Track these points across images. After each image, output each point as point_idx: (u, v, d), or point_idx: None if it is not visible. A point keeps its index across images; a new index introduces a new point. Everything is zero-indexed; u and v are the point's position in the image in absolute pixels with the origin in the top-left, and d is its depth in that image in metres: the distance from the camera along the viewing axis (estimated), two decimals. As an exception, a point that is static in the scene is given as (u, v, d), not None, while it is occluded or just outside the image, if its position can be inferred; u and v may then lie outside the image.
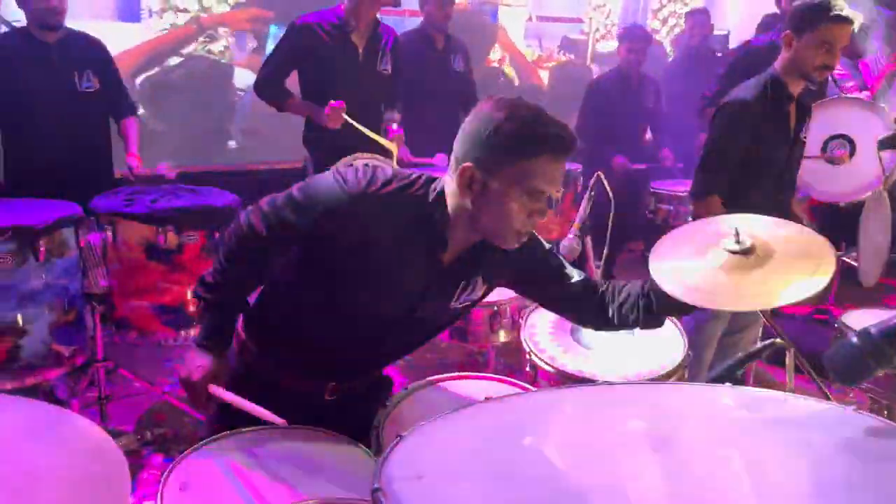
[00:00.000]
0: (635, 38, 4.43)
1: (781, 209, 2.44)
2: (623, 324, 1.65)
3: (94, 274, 2.57)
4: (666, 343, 1.99)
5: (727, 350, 2.62)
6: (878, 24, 4.20)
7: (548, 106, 1.39)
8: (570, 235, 1.89)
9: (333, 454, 1.46)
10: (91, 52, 3.14)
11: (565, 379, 1.89)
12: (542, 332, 2.09)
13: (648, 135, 4.76)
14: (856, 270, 2.47)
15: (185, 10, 4.40)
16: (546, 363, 1.95)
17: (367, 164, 1.54)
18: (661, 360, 1.93)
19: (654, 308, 1.59)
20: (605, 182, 1.96)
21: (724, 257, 1.50)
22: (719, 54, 5.14)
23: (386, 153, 3.17)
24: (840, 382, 1.12)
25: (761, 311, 1.64)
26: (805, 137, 2.57)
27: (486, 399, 1.22)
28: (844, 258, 2.55)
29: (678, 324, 2.04)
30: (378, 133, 3.24)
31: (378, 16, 3.33)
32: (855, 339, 1.05)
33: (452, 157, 1.41)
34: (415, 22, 4.13)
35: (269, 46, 4.47)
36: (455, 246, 1.47)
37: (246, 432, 1.47)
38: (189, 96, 4.46)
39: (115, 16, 4.24)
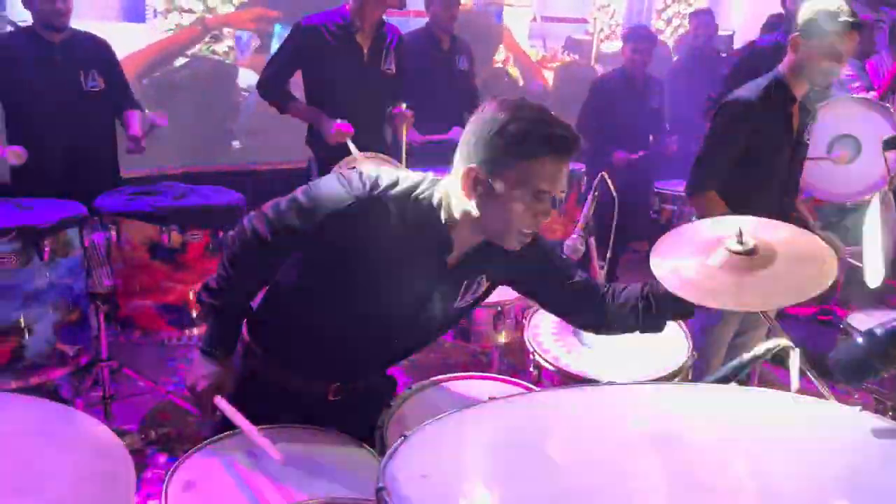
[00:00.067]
0: (640, 38, 4.42)
1: (785, 211, 2.43)
2: (622, 327, 1.65)
3: (98, 273, 2.58)
4: (670, 344, 1.98)
5: (733, 351, 2.61)
6: (882, 24, 4.19)
7: (552, 107, 1.39)
8: (574, 236, 1.88)
9: (337, 454, 1.46)
10: (96, 52, 3.15)
11: (569, 379, 1.89)
12: (545, 332, 2.08)
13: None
14: (861, 271, 2.47)
15: (191, 11, 4.41)
16: (550, 363, 1.95)
17: (371, 167, 1.53)
18: (665, 361, 1.93)
19: (654, 311, 1.59)
20: (609, 182, 1.96)
21: (726, 257, 1.50)
22: (724, 55, 5.13)
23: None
24: (845, 383, 1.12)
25: (766, 313, 1.64)
26: (808, 139, 2.56)
27: (490, 399, 1.22)
28: (849, 259, 2.54)
29: (682, 325, 2.04)
30: (380, 130, 3.26)
31: (383, 16, 3.33)
32: (860, 340, 1.05)
33: (456, 158, 1.41)
34: (419, 22, 4.13)
35: (274, 46, 4.48)
36: (460, 246, 1.47)
37: (250, 432, 1.47)
38: (193, 97, 4.47)
39: (121, 16, 4.25)
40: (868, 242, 2.05)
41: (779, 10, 4.09)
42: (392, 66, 3.34)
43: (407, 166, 3.14)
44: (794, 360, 1.48)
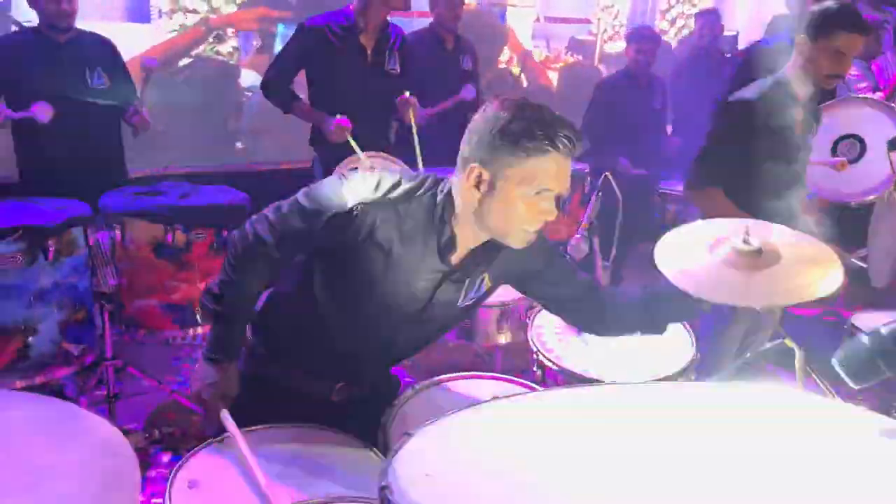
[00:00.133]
0: (643, 38, 4.42)
1: (790, 212, 2.43)
2: (623, 329, 1.65)
3: (103, 273, 2.58)
4: (674, 345, 1.98)
5: (740, 351, 2.61)
6: (888, 25, 4.18)
7: (556, 107, 1.39)
8: (578, 236, 1.88)
9: (341, 454, 1.46)
10: (101, 50, 3.16)
11: (572, 379, 1.89)
12: (549, 332, 2.08)
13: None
14: (866, 272, 2.46)
15: (195, 11, 4.42)
16: (553, 363, 1.95)
17: (373, 167, 1.54)
18: (669, 361, 1.93)
19: (655, 313, 1.59)
20: (614, 182, 1.95)
21: (731, 255, 1.50)
22: (728, 55, 5.12)
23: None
24: (850, 383, 1.12)
25: (772, 314, 1.63)
26: (812, 141, 2.55)
27: (493, 398, 1.22)
28: (855, 259, 2.54)
29: (687, 326, 2.04)
30: (385, 130, 3.26)
31: (387, 17, 3.34)
32: (865, 339, 1.05)
33: (460, 158, 1.42)
34: (423, 23, 4.14)
35: (277, 46, 4.49)
36: (463, 246, 1.47)
37: (254, 431, 1.47)
38: (197, 97, 4.48)
39: (125, 17, 4.26)
40: (873, 243, 2.05)
41: (783, 10, 4.08)
42: (396, 67, 3.35)
43: (421, 153, 3.15)
44: (799, 360, 1.48)
